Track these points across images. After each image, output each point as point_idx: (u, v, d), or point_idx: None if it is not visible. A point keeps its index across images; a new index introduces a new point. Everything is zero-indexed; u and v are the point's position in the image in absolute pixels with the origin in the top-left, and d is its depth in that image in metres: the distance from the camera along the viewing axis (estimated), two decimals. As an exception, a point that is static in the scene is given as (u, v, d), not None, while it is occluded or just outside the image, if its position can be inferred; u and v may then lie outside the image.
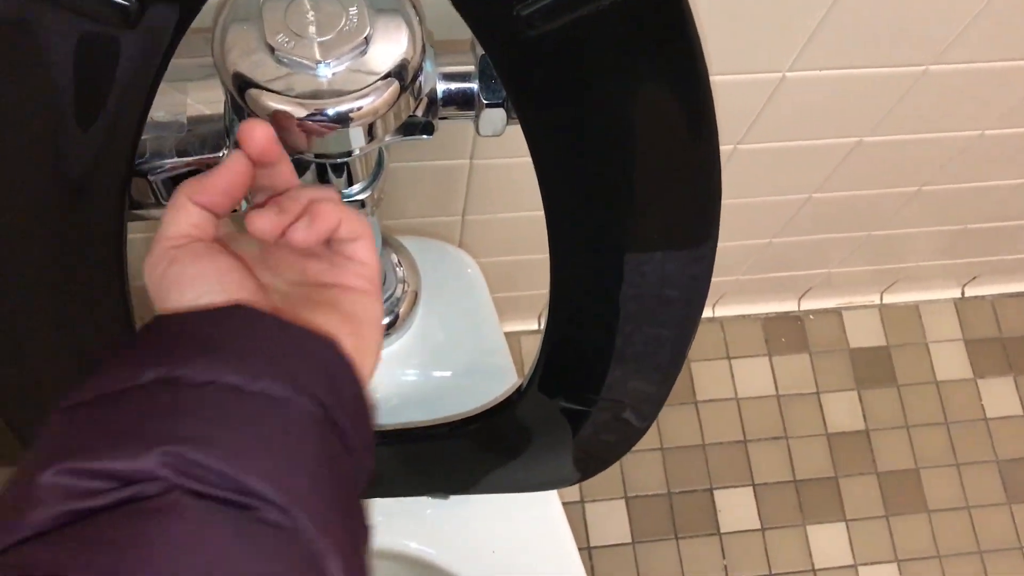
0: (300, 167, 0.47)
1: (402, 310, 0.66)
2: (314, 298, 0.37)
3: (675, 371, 0.60)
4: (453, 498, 0.61)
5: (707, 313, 1.18)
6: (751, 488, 1.11)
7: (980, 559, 1.12)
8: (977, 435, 1.17)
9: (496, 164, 0.74)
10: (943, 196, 0.93)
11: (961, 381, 1.19)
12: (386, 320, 0.65)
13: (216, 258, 0.35)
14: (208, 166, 0.45)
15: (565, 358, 0.56)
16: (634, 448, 1.12)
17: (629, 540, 1.08)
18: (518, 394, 0.59)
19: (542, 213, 0.87)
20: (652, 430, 1.12)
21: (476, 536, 0.62)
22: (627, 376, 0.57)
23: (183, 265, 0.34)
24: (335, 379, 0.32)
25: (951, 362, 1.20)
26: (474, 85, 0.43)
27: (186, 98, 0.44)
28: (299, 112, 0.39)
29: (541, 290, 1.09)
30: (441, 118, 0.45)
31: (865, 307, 1.22)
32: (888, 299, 1.22)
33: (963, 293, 1.23)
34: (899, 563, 1.11)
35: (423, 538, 0.62)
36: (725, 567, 1.08)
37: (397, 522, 0.62)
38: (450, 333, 0.67)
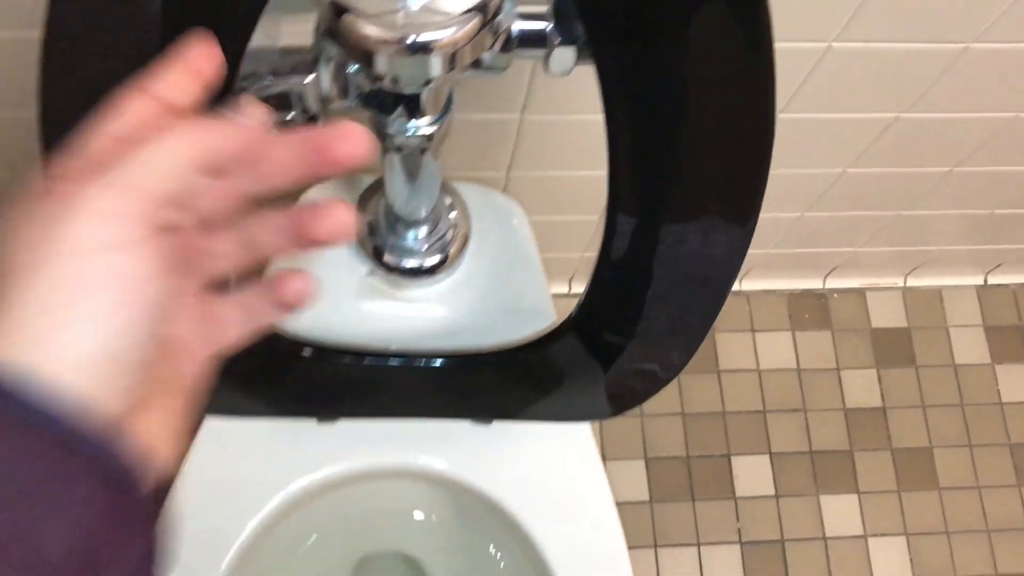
0: (378, 98, 0.50)
1: (452, 251, 0.69)
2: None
3: (700, 339, 0.63)
4: (494, 424, 0.65)
5: (734, 286, 1.21)
6: (768, 456, 1.15)
7: (988, 537, 1.15)
8: (991, 418, 1.20)
9: (547, 120, 0.77)
10: (973, 179, 0.95)
11: (979, 366, 1.22)
12: (435, 260, 0.68)
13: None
14: (298, 93, 0.48)
15: (601, 310, 0.59)
16: (656, 412, 1.15)
17: (647, 499, 1.11)
18: (556, 332, 0.62)
19: (588, 173, 0.90)
20: (674, 396, 1.15)
21: (511, 462, 0.66)
22: (651, 346, 0.60)
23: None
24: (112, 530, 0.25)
25: (970, 347, 1.23)
26: (548, 25, 0.46)
27: (279, 28, 0.48)
28: (388, 36, 0.42)
29: (575, 253, 1.12)
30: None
31: (889, 289, 1.24)
32: (912, 282, 1.24)
33: (986, 281, 1.26)
34: (908, 536, 1.14)
35: (460, 461, 0.65)
36: (738, 530, 1.12)
37: (436, 444, 0.66)
38: (496, 276, 0.70)
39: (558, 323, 0.63)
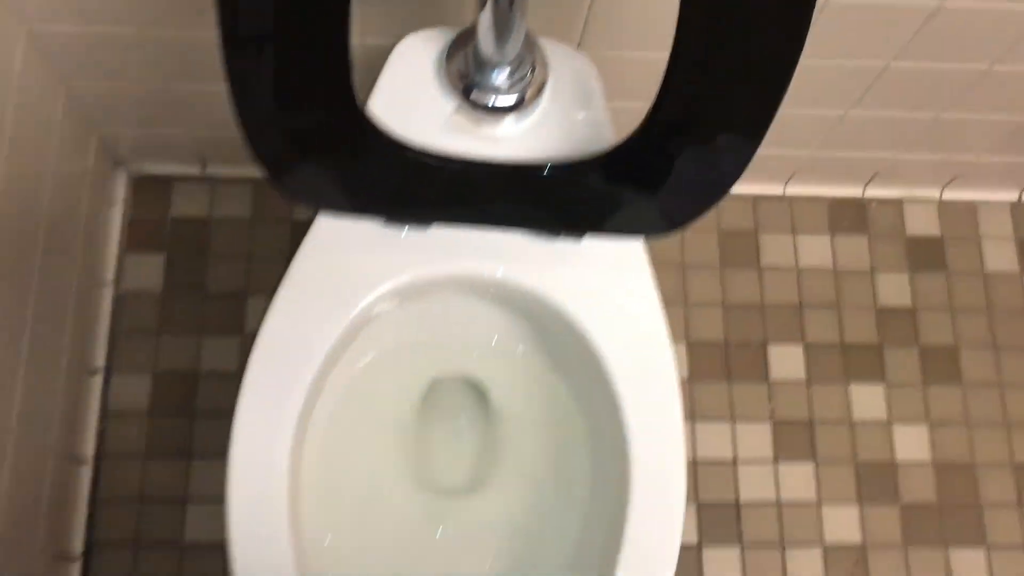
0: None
1: (529, 93, 0.77)
2: None
3: (712, 202, 0.72)
4: (560, 241, 0.74)
5: (778, 191, 1.29)
6: (802, 346, 1.23)
7: (1007, 431, 1.22)
8: (1018, 323, 1.27)
9: (617, -10, 0.84)
10: (1010, 80, 1.01)
11: (1008, 274, 1.28)
12: (514, 99, 0.76)
13: None
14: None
15: (633, 165, 0.68)
16: (699, 301, 1.23)
17: (687, 377, 1.20)
18: (606, 155, 0.71)
19: (658, 54, 0.97)
20: (716, 287, 1.23)
21: (574, 275, 0.74)
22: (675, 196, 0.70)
23: None
24: None
25: (1001, 257, 1.29)
26: None
27: None
28: None
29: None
30: None
31: (925, 201, 1.31)
32: (947, 195, 1.31)
33: (1020, 198, 1.32)
34: (930, 426, 1.21)
35: (524, 269, 0.74)
36: (771, 410, 1.20)
37: (510, 255, 0.74)
38: (568, 123, 0.78)
39: (600, 153, 0.71)
